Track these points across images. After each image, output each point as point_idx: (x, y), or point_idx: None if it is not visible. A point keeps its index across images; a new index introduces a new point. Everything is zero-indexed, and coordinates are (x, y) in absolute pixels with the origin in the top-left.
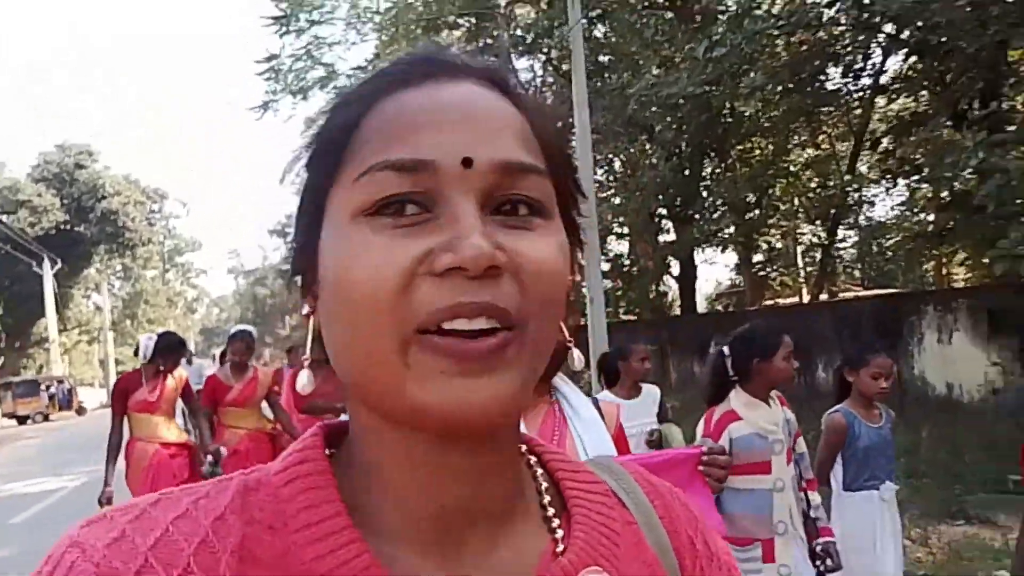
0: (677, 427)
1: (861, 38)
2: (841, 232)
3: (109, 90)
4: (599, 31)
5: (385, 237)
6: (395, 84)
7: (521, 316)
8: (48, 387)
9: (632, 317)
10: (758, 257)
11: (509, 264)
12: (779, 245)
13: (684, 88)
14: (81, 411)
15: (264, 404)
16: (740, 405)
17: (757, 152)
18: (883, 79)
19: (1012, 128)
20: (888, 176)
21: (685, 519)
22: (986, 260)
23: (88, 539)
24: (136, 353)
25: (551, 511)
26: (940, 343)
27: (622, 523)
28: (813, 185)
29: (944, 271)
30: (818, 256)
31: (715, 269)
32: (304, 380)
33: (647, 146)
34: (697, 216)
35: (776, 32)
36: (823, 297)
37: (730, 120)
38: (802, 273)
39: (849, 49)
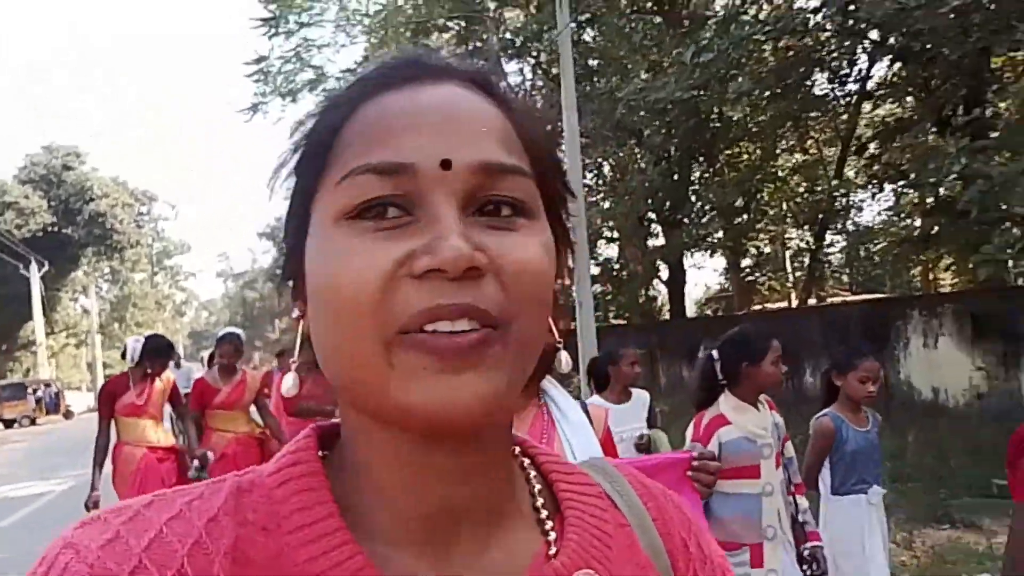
0: (664, 433)
1: (847, 44)
2: (829, 237)
3: (109, 90)
4: (588, 35)
5: (367, 240)
6: (377, 88)
7: (504, 316)
8: (35, 391)
9: (622, 321)
10: (746, 262)
11: (490, 265)
12: (767, 250)
13: (672, 93)
14: (68, 415)
15: (252, 408)
16: (729, 409)
17: (745, 157)
18: (869, 85)
19: (995, 134)
20: (875, 181)
21: (679, 521)
22: (971, 265)
23: (82, 540)
24: (123, 356)
25: (544, 512)
26: (926, 348)
27: (615, 525)
28: (801, 190)
29: (931, 276)
30: (806, 261)
31: (704, 274)
32: (289, 383)
33: (636, 150)
34: (686, 220)
35: (763, 38)
36: (811, 302)
37: (718, 125)
38: (791, 278)
39: (835, 55)
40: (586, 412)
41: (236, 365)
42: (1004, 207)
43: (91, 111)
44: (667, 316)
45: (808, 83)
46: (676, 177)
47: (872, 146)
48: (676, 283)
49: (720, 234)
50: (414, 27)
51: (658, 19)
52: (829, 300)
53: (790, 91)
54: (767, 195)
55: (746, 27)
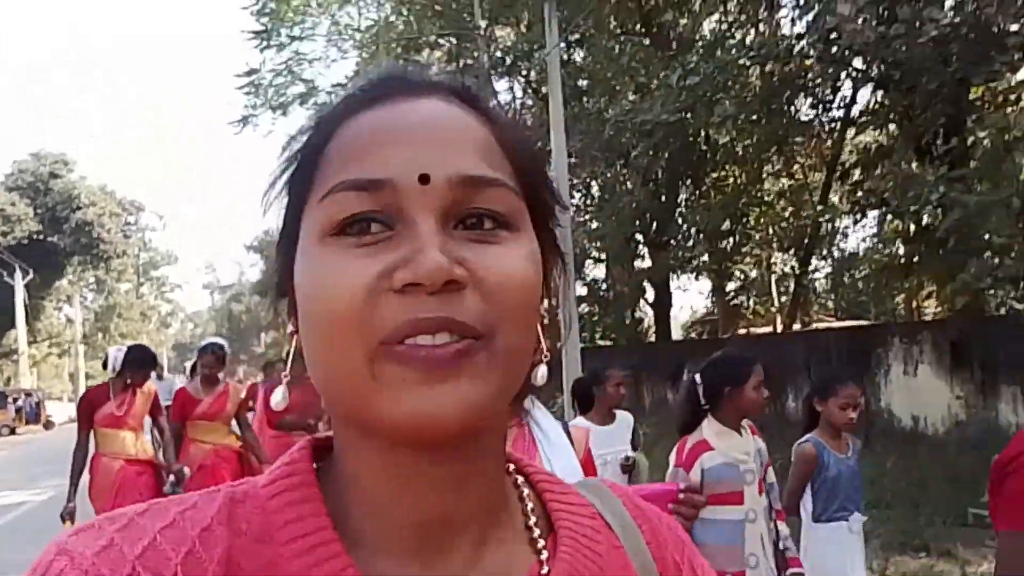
0: (644, 457)
1: (830, 71)
2: (814, 262)
3: (109, 90)
4: (578, 56)
5: (350, 256)
6: (360, 104)
7: (487, 327)
8: (15, 400)
9: (607, 342)
10: (732, 285)
11: (470, 278)
12: (753, 274)
13: (659, 115)
14: (49, 425)
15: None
16: (712, 434)
17: (731, 180)
18: (853, 112)
19: (973, 163)
20: (858, 207)
21: (672, 544)
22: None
23: (76, 547)
24: (105, 366)
25: (537, 531)
26: (906, 375)
27: (608, 546)
28: (786, 215)
29: (914, 303)
30: (791, 286)
31: (690, 296)
32: (279, 397)
33: (623, 171)
34: (672, 242)
35: (748, 62)
36: (796, 327)
37: (705, 148)
38: (776, 302)
39: (818, 82)
40: (568, 434)
41: (218, 376)
42: (986, 236)
43: (91, 111)
44: (653, 338)
45: (793, 108)
46: (663, 199)
47: (856, 172)
48: (662, 305)
49: (706, 257)
50: (405, 43)
51: (646, 42)
52: (814, 325)
53: (775, 116)
54: (753, 219)
55: (732, 52)
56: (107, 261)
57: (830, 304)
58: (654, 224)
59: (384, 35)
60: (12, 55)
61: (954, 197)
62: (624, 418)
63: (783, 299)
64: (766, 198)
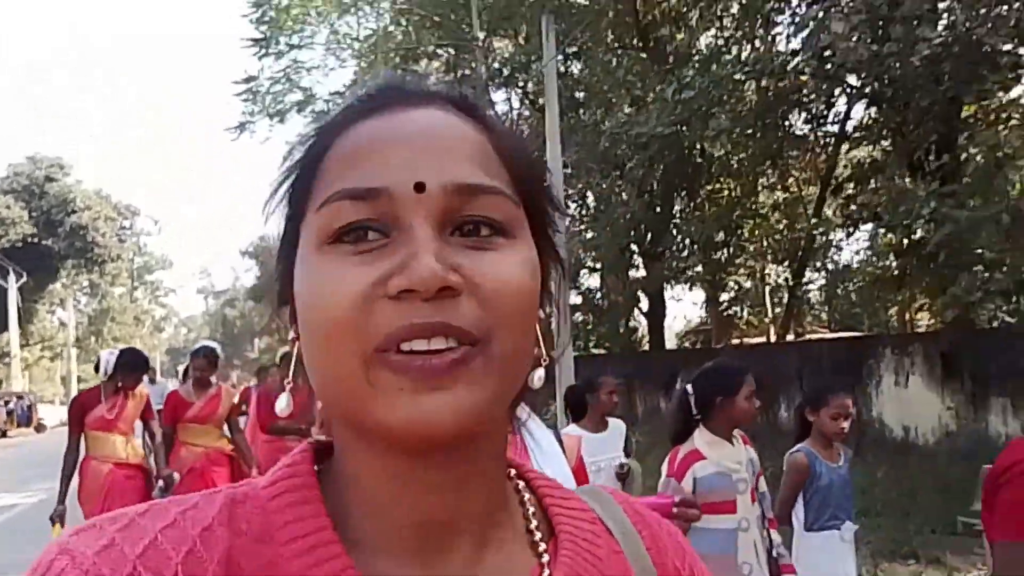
0: (637, 463)
1: (824, 87)
2: (808, 274)
3: (109, 90)
4: (575, 68)
5: (347, 264)
6: (358, 114)
7: (483, 332)
8: (7, 403)
9: (601, 351)
10: (726, 296)
11: (465, 284)
12: (747, 285)
13: (654, 128)
14: (40, 428)
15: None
16: (704, 444)
17: (726, 193)
18: (848, 127)
19: (965, 180)
20: (851, 221)
21: (672, 550)
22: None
23: (77, 546)
24: (97, 369)
25: (538, 535)
26: (897, 385)
27: (608, 551)
28: (781, 227)
29: (907, 315)
30: (785, 297)
31: (684, 306)
32: (283, 403)
33: (619, 182)
34: (667, 253)
35: (743, 77)
36: (789, 338)
37: (700, 160)
38: (769, 313)
39: (812, 97)
40: (560, 442)
41: (210, 379)
42: (977, 250)
43: (90, 112)
44: (646, 347)
45: (787, 123)
46: (658, 210)
47: (849, 187)
48: (656, 315)
49: (700, 268)
50: (403, 53)
51: (643, 55)
52: (807, 336)
53: (770, 130)
54: (747, 231)
55: (727, 66)
56: (101, 265)
57: (823, 315)
58: (649, 235)
59: (383, 45)
60: (12, 55)
61: (945, 212)
62: (617, 426)
63: (776, 310)
64: (760, 211)
